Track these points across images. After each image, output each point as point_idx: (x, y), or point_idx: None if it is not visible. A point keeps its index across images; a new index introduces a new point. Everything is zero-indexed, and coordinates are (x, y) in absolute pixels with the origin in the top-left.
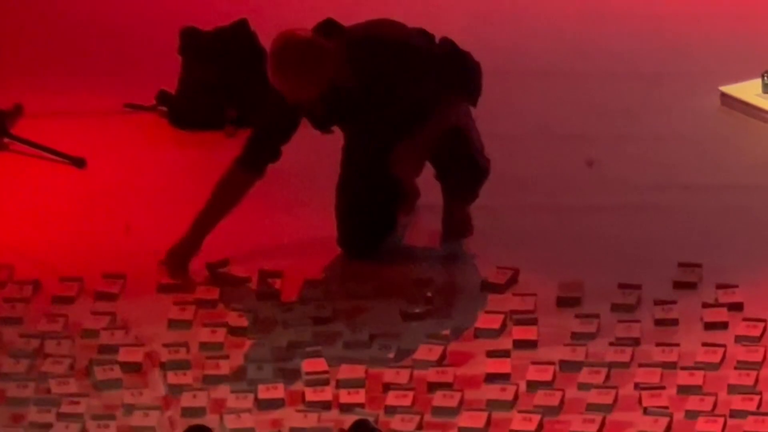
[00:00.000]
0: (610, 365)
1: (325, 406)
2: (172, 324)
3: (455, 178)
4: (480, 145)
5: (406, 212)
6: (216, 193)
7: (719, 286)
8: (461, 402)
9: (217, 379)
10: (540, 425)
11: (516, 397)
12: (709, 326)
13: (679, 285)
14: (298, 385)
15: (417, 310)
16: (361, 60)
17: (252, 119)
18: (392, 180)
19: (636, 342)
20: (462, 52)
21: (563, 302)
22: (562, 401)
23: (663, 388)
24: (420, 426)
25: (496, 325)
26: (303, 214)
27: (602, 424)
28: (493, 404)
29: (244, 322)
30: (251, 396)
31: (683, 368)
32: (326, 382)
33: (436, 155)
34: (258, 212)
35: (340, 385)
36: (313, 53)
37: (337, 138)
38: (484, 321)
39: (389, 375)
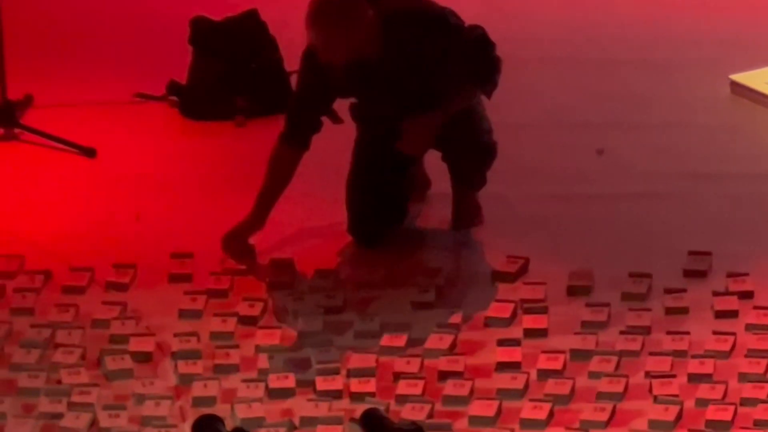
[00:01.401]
0: (621, 354)
1: (336, 395)
2: (183, 314)
3: (461, 159)
4: (488, 127)
5: (416, 201)
6: (269, 171)
7: (729, 275)
8: (472, 391)
9: (228, 369)
10: (550, 414)
11: (526, 385)
12: (720, 314)
13: (689, 273)
14: (309, 375)
15: (427, 299)
16: (396, 32)
17: (288, 96)
18: (404, 168)
19: (646, 330)
20: (491, 41)
21: (574, 291)
22: (572, 390)
23: (673, 376)
24: (431, 415)
25: (507, 314)
26: (313, 203)
27: (613, 412)
28: (503, 393)
29: (254, 312)
30: (262, 385)
31: (694, 356)
32: (337, 371)
33: (442, 136)
34: None
35: (350, 374)
36: (354, 11)
37: (348, 127)
38: (494, 310)
39: (400, 364)
